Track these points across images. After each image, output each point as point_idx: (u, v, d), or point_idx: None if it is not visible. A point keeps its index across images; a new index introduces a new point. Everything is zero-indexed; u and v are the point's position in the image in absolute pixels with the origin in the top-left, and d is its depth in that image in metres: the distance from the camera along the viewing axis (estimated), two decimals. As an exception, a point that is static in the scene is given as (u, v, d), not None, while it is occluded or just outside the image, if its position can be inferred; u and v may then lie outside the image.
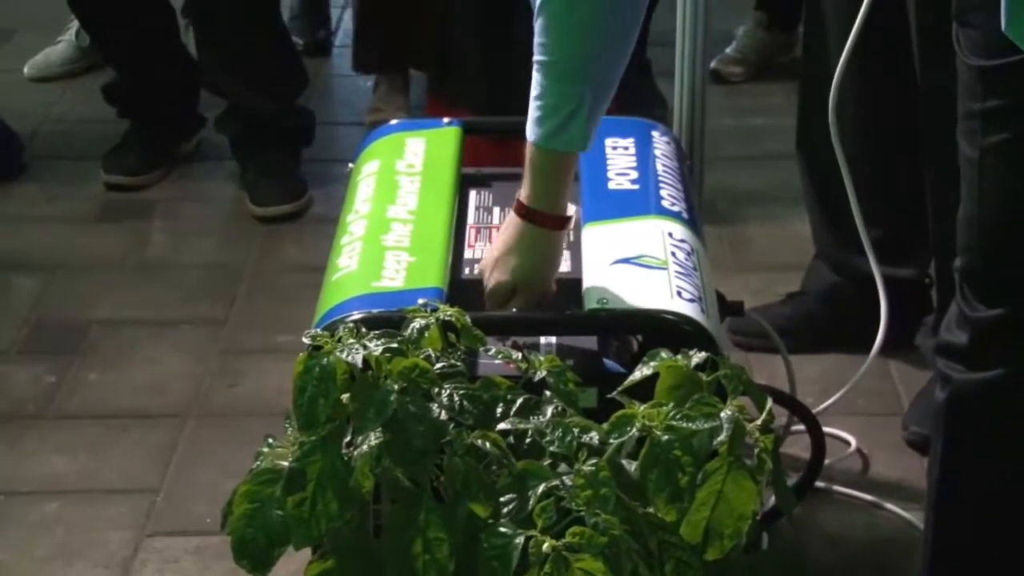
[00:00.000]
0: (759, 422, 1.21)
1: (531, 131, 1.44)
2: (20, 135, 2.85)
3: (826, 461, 1.78)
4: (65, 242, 2.58)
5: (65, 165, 2.82)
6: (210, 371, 2.21)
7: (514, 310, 1.46)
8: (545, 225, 1.45)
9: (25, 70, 3.14)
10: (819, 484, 1.84)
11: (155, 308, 2.38)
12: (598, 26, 1.37)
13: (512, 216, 1.48)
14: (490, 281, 1.47)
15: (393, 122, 1.88)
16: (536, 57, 1.41)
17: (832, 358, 2.15)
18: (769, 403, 1.23)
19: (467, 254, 1.60)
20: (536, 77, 1.41)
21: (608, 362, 1.46)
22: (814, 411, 1.77)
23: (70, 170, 2.80)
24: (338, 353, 1.15)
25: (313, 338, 1.19)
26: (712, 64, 3.11)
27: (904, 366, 2.13)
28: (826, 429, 1.78)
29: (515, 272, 1.46)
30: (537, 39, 1.40)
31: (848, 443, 1.98)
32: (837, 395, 1.93)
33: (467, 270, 1.57)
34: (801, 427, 1.73)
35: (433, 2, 2.64)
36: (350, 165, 1.80)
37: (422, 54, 2.74)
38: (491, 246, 1.52)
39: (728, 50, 3.17)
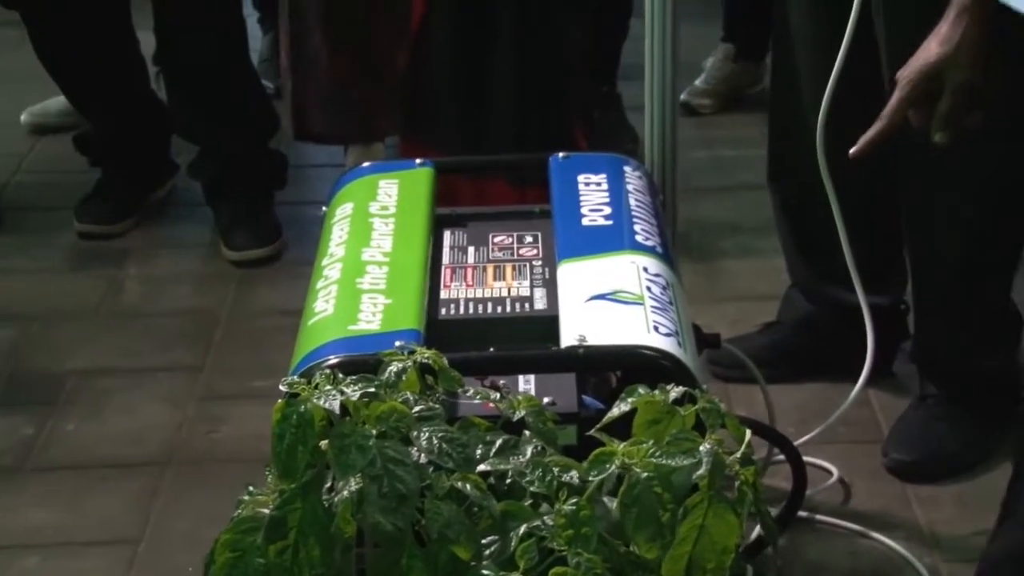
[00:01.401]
0: (738, 455, 1.21)
1: None
2: (-9, 187, 2.85)
3: (808, 491, 1.78)
4: (39, 292, 2.57)
5: (37, 215, 2.82)
6: (188, 418, 2.20)
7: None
8: None
9: (22, 117, 3.13)
10: (802, 514, 1.84)
11: (131, 356, 2.37)
12: None
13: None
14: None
15: (365, 164, 1.89)
16: None
17: (810, 387, 2.15)
18: (748, 435, 1.23)
19: (443, 294, 1.60)
20: None
21: (587, 399, 1.46)
22: (796, 442, 1.77)
23: (43, 220, 2.79)
24: (315, 400, 1.15)
25: (290, 385, 1.19)
26: (682, 96, 3.13)
27: (883, 393, 2.14)
28: (807, 458, 1.78)
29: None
30: None
31: (830, 472, 1.99)
32: (821, 427, 1.92)
33: (443, 311, 1.57)
34: (782, 457, 1.73)
35: (395, 67, 2.57)
36: (324, 208, 1.80)
37: (391, 122, 2.67)
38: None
39: (697, 82, 3.19)
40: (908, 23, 1.83)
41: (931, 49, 1.38)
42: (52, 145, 3.05)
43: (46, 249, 2.70)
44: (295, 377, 1.22)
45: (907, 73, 1.40)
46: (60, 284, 2.60)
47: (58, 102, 3.06)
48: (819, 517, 1.91)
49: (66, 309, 2.51)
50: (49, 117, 3.12)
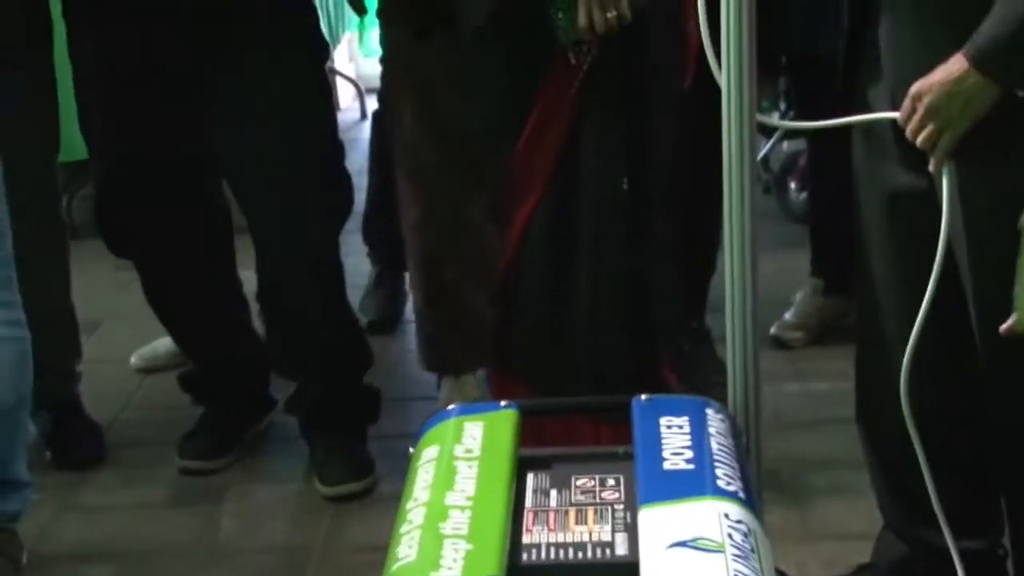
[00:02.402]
0: None
1: None
2: (99, 423, 2.94)
3: None
4: (139, 529, 2.62)
5: (142, 451, 2.89)
6: (278, 659, 2.20)
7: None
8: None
9: (132, 360, 3.25)
10: None
11: (225, 595, 2.39)
12: None
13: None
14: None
15: (451, 407, 1.92)
16: None
17: (908, 632, 2.09)
18: None
19: (525, 539, 1.61)
20: None
21: (669, 649, 1.44)
22: None
23: (147, 456, 2.86)
24: (388, 656, 1.16)
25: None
26: (772, 330, 3.15)
27: (984, 641, 2.06)
28: None
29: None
30: None
31: None
32: None
33: (525, 556, 1.57)
34: None
35: (482, 315, 2.66)
36: (411, 450, 1.83)
37: (478, 359, 2.77)
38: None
39: (787, 315, 3.21)
40: (995, 271, 1.84)
41: None
42: (159, 382, 3.16)
43: (148, 485, 2.77)
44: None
45: None
46: (159, 520, 2.65)
47: (165, 344, 3.17)
48: None
49: (164, 545, 2.55)
50: (158, 360, 3.23)
